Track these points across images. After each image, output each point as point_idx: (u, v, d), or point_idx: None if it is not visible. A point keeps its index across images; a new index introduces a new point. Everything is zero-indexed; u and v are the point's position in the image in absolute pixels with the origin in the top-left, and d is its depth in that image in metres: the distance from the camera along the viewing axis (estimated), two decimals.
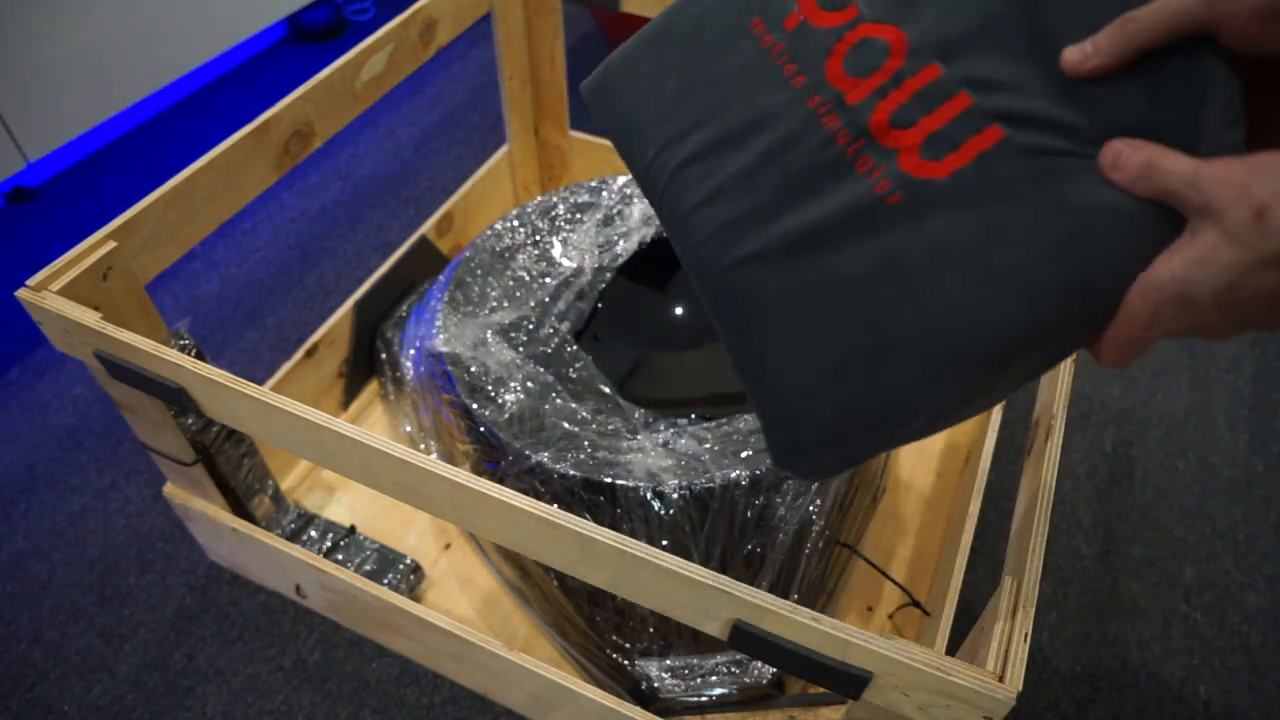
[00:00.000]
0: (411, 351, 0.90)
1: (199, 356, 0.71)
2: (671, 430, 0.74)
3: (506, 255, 0.90)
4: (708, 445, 0.73)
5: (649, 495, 0.70)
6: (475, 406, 0.77)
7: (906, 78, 0.41)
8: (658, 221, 0.84)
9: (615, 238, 0.91)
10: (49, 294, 0.60)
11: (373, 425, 1.02)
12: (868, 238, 0.41)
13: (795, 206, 0.44)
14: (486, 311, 0.85)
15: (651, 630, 0.74)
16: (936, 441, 1.00)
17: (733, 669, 0.74)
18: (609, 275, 0.88)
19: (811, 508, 0.74)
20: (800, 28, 0.45)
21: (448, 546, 0.91)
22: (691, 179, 0.47)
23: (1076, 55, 0.37)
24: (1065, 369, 0.57)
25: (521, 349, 0.81)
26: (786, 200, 0.44)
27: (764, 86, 0.45)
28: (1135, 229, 0.37)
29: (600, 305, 0.90)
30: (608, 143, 1.23)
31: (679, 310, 0.96)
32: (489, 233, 0.92)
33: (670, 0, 0.52)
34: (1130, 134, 0.37)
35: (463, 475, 0.52)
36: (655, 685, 0.73)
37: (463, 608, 0.86)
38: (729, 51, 0.47)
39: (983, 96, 0.40)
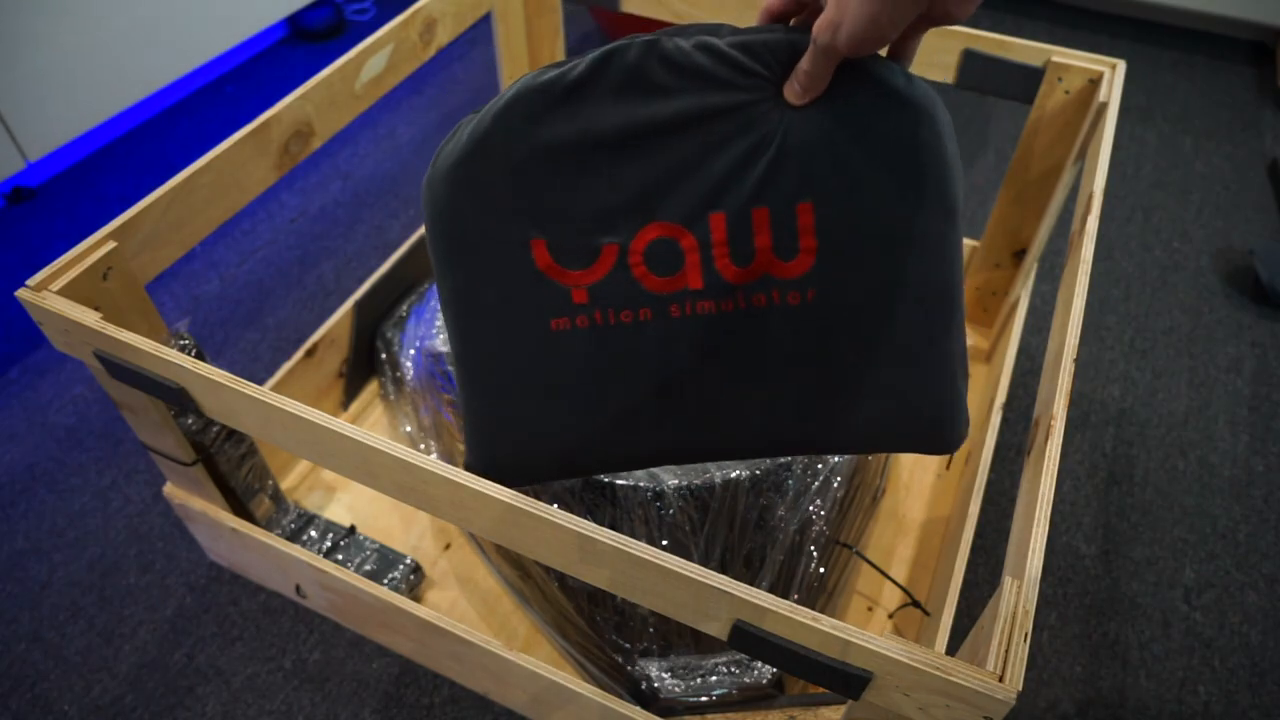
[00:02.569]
0: (411, 351, 0.90)
1: (199, 356, 0.71)
2: None
3: None
4: None
5: (649, 495, 0.70)
6: None
7: (712, 237, 0.47)
8: None
9: None
10: (49, 294, 0.60)
11: (373, 425, 1.02)
12: (825, 321, 0.48)
13: (762, 350, 0.49)
14: None
15: (651, 630, 0.74)
16: None
17: (733, 669, 0.74)
18: None
19: (811, 508, 0.74)
20: (592, 288, 0.48)
21: (448, 546, 0.91)
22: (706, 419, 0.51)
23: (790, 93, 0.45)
24: (1065, 369, 0.57)
25: None
26: (760, 354, 0.49)
27: (635, 336, 0.49)
28: None
29: None
30: None
31: None
32: None
33: None
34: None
35: (463, 475, 0.52)
36: (655, 685, 0.73)
37: (463, 608, 0.86)
38: (578, 354, 0.49)
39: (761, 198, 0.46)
